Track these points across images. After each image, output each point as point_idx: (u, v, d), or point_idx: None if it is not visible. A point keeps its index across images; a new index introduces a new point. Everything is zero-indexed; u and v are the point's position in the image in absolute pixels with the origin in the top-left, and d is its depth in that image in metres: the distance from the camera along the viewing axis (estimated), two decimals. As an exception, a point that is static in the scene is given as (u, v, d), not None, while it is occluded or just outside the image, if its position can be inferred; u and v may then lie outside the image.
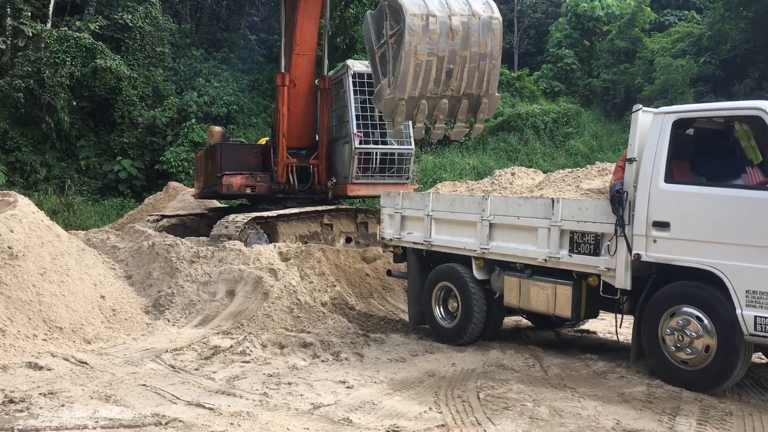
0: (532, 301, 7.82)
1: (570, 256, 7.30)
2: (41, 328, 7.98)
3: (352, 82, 13.66)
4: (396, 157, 13.70)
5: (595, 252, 7.09)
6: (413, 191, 11.87)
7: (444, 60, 8.35)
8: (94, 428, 5.32)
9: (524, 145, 28.50)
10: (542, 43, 37.24)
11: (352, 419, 5.72)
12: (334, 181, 14.06)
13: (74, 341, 8.07)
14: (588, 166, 9.12)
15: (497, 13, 8.58)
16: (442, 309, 8.90)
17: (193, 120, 25.50)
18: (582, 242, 7.20)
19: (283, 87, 14.00)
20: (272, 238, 12.57)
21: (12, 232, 8.77)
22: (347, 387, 6.70)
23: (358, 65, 13.96)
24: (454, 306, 8.68)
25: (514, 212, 7.91)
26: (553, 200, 7.50)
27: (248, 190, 14.09)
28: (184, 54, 29.52)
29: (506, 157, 27.55)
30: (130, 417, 5.58)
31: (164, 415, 5.61)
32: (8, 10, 23.83)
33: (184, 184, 21.11)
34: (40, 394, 6.03)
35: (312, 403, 6.13)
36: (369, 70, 13.14)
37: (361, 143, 13.42)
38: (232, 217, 12.49)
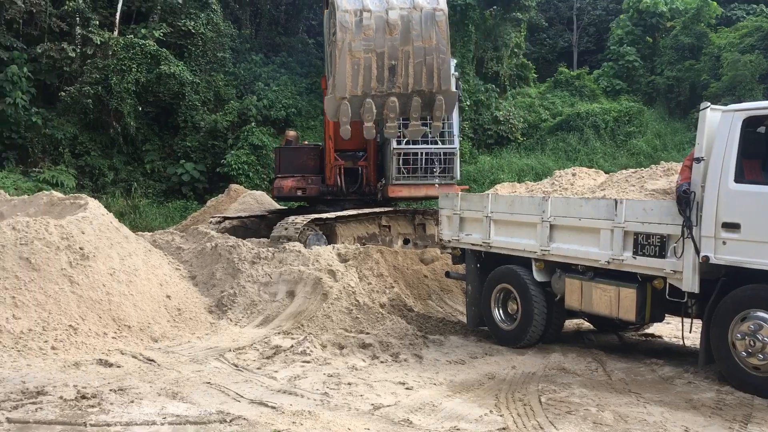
0: (595, 304, 7.67)
1: (634, 258, 7.14)
2: (111, 326, 8.25)
3: None
4: (441, 156, 13.41)
5: (661, 254, 6.91)
6: (461, 192, 11.69)
7: (384, 56, 8.02)
8: (162, 424, 5.47)
9: (584, 144, 28.01)
10: (602, 40, 36.54)
11: (412, 420, 5.72)
12: (384, 182, 14.04)
13: (142, 339, 8.31)
14: (653, 166, 8.89)
15: (442, 4, 8.09)
16: (501, 311, 8.83)
17: (253, 123, 25.96)
18: (647, 244, 7.03)
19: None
20: (331, 239, 12.68)
21: (83, 233, 9.09)
22: (407, 388, 6.71)
23: None
24: (514, 308, 8.59)
25: (575, 213, 7.78)
26: (616, 201, 7.36)
27: (299, 193, 14.26)
28: (244, 59, 30.08)
29: (565, 157, 27.12)
30: (196, 414, 5.72)
31: (229, 413, 5.73)
32: (78, 19, 24.72)
33: (245, 186, 21.49)
34: (110, 390, 6.24)
35: (372, 404, 6.17)
36: None
37: (399, 143, 13.28)
38: (291, 218, 12.65)
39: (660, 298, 7.13)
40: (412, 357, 7.93)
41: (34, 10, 23.77)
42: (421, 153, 13.39)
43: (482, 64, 32.05)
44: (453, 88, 8.52)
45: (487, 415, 5.92)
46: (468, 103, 28.45)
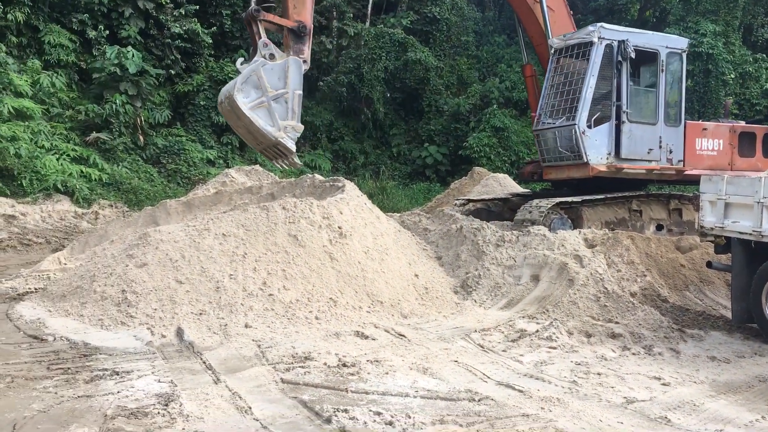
0: None
1: None
2: (365, 301, 8.81)
3: (553, 59, 13.16)
4: (562, 135, 12.34)
5: None
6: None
7: (246, 128, 10.40)
8: (415, 397, 5.73)
9: None
10: None
11: (670, 419, 5.38)
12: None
13: (392, 315, 8.76)
14: None
15: (231, 95, 10.01)
16: (774, 308, 7.92)
17: (495, 106, 25.98)
18: None
19: (525, 78, 14.85)
20: (576, 223, 12.28)
21: (341, 213, 9.80)
22: (663, 384, 6.33)
23: (557, 42, 13.10)
24: (791, 306, 7.66)
25: None
26: None
27: (535, 177, 14.46)
28: (486, 41, 30.15)
29: None
30: (445, 390, 5.91)
31: (476, 392, 5.85)
32: (334, 13, 26.66)
33: (487, 169, 21.62)
34: (367, 360, 6.67)
35: (625, 397, 5.90)
36: (567, 43, 12.78)
37: (538, 124, 13.04)
38: (536, 202, 12.46)
39: None
40: (668, 351, 7.44)
41: (298, 8, 26.06)
42: (540, 135, 12.95)
43: (751, 31, 28.73)
44: (286, 143, 10.38)
45: (759, 420, 5.37)
46: (732, 76, 25.73)
